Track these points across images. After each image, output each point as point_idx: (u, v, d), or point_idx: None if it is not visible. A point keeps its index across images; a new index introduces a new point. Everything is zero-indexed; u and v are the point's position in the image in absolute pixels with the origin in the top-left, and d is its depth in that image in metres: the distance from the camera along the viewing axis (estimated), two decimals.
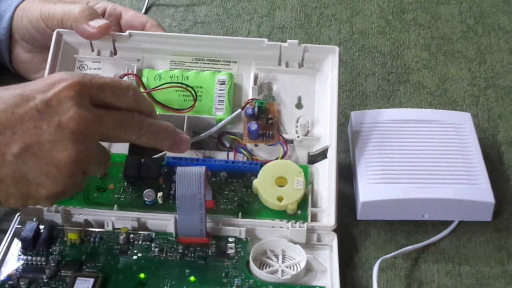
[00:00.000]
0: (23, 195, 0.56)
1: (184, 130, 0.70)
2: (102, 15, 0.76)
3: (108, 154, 0.61)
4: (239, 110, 0.71)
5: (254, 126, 0.70)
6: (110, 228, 0.65)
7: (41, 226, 0.65)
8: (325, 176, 0.68)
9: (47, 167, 0.55)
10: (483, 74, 0.86)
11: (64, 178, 0.56)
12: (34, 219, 0.65)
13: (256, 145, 0.71)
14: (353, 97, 0.83)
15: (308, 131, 0.71)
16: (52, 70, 0.71)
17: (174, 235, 0.65)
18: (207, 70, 0.73)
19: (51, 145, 0.55)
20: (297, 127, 0.72)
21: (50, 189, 0.56)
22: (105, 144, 0.64)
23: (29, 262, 0.62)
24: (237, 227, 0.65)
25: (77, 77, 0.57)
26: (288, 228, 0.65)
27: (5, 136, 0.54)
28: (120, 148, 0.71)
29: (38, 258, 0.62)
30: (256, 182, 0.67)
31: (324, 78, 0.72)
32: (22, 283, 0.60)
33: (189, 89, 0.71)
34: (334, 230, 0.65)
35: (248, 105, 0.71)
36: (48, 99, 0.55)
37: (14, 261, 0.63)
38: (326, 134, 0.70)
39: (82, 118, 0.55)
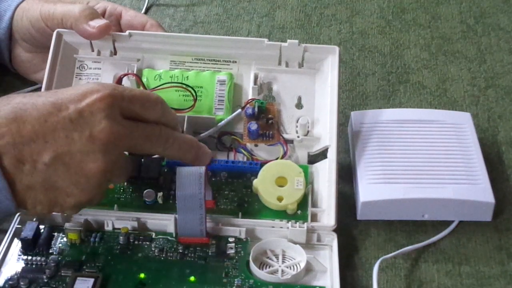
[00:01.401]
0: (51, 202, 0.57)
1: (184, 130, 0.70)
2: (102, 15, 0.76)
3: (131, 162, 0.62)
4: (239, 110, 0.71)
5: (254, 126, 0.70)
6: (110, 228, 0.65)
7: (41, 226, 0.65)
8: (325, 176, 0.68)
9: (77, 177, 0.56)
10: (483, 74, 0.86)
11: (92, 188, 0.57)
12: (34, 219, 0.65)
13: (256, 145, 0.71)
14: (353, 97, 0.83)
15: (308, 131, 0.71)
16: (52, 70, 0.71)
17: (174, 235, 0.65)
18: (207, 70, 0.73)
19: (81, 156, 0.55)
20: (297, 127, 0.72)
21: (78, 198, 0.57)
22: None
23: (29, 262, 0.62)
24: (237, 227, 0.65)
25: (109, 89, 0.57)
26: (288, 228, 0.65)
27: (37, 144, 0.55)
28: None
29: (38, 258, 0.62)
30: (256, 182, 0.67)
31: (324, 78, 0.72)
32: (22, 283, 0.60)
33: (189, 89, 0.71)
34: (334, 230, 0.65)
35: (248, 105, 0.71)
36: (80, 110, 0.56)
37: (14, 261, 0.63)
38: (326, 134, 0.70)
39: (113, 130, 0.56)
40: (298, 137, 0.71)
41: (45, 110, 0.55)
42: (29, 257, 0.63)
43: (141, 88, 0.72)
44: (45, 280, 0.61)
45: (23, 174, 0.55)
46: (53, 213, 0.63)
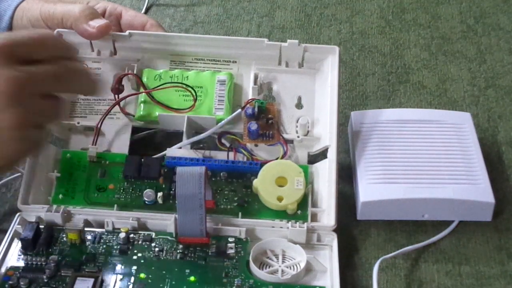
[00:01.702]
0: None
1: (184, 130, 0.70)
2: (102, 15, 0.76)
3: (58, 102, 0.58)
4: (239, 110, 0.71)
5: (254, 126, 0.70)
6: (110, 228, 0.65)
7: (41, 226, 0.65)
8: (325, 176, 0.68)
9: None
10: (483, 74, 0.86)
11: (15, 143, 0.54)
12: (34, 219, 0.65)
13: (256, 145, 0.71)
14: (353, 97, 0.83)
15: (308, 131, 0.71)
16: None
17: (174, 235, 0.65)
18: (207, 70, 0.73)
19: None
20: (297, 127, 0.72)
21: (6, 158, 0.55)
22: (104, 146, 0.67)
23: (29, 262, 0.62)
24: (237, 227, 0.65)
25: None
26: (288, 228, 0.65)
27: None
28: (120, 148, 0.71)
29: (38, 258, 0.62)
30: (256, 182, 0.67)
31: (324, 78, 0.72)
32: (22, 283, 0.60)
33: (189, 89, 0.71)
34: (334, 230, 0.65)
35: (248, 105, 0.71)
36: None
37: (14, 261, 0.63)
38: (326, 134, 0.70)
39: (12, 81, 0.53)
40: (298, 137, 0.71)
41: None
42: (29, 257, 0.63)
43: (141, 88, 0.72)
44: (45, 280, 0.61)
45: None
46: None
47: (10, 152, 0.55)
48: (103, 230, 0.65)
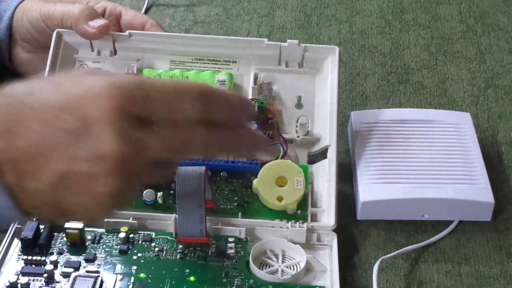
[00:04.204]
0: (57, 216, 0.51)
1: None
2: (102, 15, 0.76)
3: (168, 168, 0.52)
4: None
5: (254, 126, 0.70)
6: (110, 228, 0.65)
7: (41, 226, 0.64)
8: (325, 176, 0.68)
9: (82, 199, 0.48)
10: (483, 74, 0.86)
11: (99, 209, 0.49)
12: (34, 219, 0.65)
13: None
14: (353, 97, 0.83)
15: (308, 131, 0.71)
16: (52, 70, 0.71)
17: (174, 235, 0.65)
18: (207, 70, 0.73)
19: (87, 177, 0.47)
20: (297, 127, 0.72)
21: (84, 216, 0.54)
22: None
23: (29, 262, 0.62)
24: (237, 227, 0.65)
25: (124, 95, 0.46)
26: (288, 228, 0.65)
27: (38, 162, 0.47)
28: None
29: (38, 258, 0.62)
30: (256, 182, 0.67)
31: (324, 78, 0.72)
32: (22, 283, 0.60)
33: None
34: (334, 230, 0.65)
35: None
36: (87, 121, 0.46)
37: (14, 261, 0.63)
38: (326, 134, 0.70)
39: (123, 149, 0.46)
40: (298, 137, 0.71)
41: (45, 118, 0.46)
42: (29, 257, 0.62)
43: None
44: (45, 280, 0.61)
45: (27, 193, 0.48)
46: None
47: (88, 214, 0.50)
48: (103, 230, 0.65)
